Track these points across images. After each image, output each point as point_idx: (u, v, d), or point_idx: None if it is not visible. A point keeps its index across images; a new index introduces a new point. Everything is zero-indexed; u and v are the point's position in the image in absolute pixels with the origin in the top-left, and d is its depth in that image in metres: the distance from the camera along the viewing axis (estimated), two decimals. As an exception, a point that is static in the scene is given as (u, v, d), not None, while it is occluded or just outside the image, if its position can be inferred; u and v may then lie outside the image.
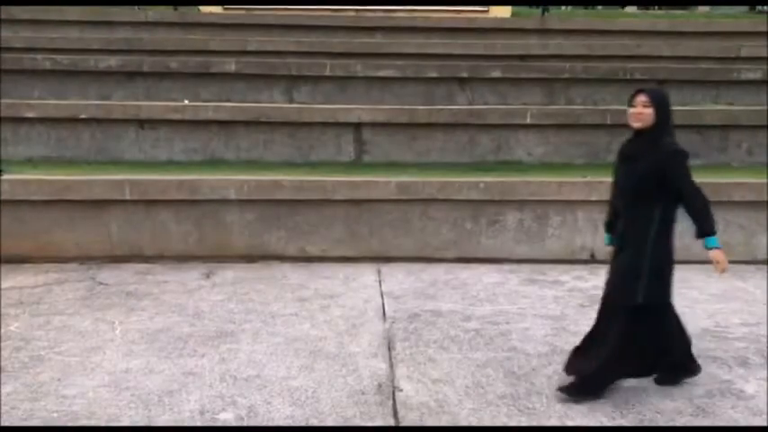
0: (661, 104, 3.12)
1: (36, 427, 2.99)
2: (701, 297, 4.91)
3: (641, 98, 3.12)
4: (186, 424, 3.02)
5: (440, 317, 4.39)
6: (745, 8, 15.73)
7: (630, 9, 20.49)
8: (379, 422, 3.07)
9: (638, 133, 3.15)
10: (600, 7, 20.27)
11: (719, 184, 5.85)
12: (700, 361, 3.75)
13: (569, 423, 3.07)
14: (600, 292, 4.92)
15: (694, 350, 3.91)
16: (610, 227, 3.40)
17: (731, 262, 5.68)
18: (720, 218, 5.77)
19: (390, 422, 3.08)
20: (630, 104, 3.15)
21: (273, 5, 10.39)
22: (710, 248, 3.18)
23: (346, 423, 3.05)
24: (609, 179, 5.67)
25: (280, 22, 9.74)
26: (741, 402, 3.29)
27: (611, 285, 3.32)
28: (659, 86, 3.40)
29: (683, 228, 5.92)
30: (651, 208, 3.13)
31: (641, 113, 3.10)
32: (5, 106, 6.80)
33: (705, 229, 3.17)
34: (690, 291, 5.05)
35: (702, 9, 18.48)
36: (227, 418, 3.07)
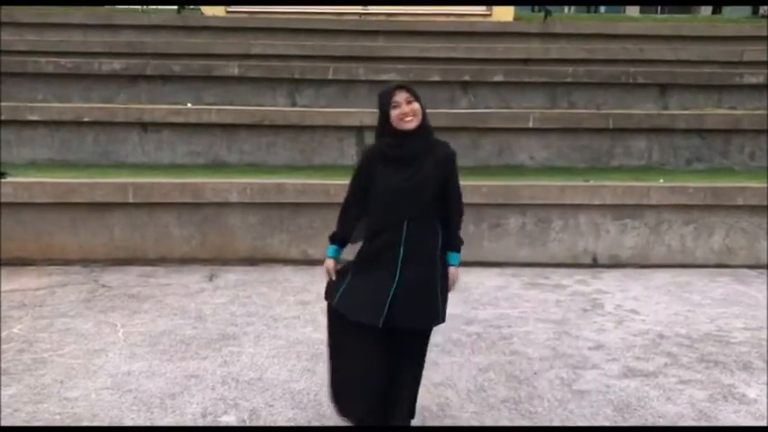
0: (420, 99, 2.74)
1: (37, 428, 3.00)
2: (703, 301, 4.91)
3: (404, 95, 2.69)
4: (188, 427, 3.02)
5: (442, 320, 4.39)
6: (747, 12, 15.73)
7: (633, 13, 20.51)
8: (381, 425, 3.07)
9: (404, 134, 2.68)
10: (603, 8, 20.31)
11: (722, 189, 5.86)
12: (702, 365, 3.76)
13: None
14: (603, 297, 4.96)
15: (697, 354, 3.93)
16: (340, 238, 2.87)
17: (734, 266, 5.79)
18: (723, 222, 5.84)
19: (392, 425, 3.08)
20: (391, 106, 2.67)
21: (276, 5, 10.39)
22: (452, 265, 2.82)
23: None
24: (611, 183, 5.64)
25: (282, 26, 9.76)
26: (743, 407, 3.28)
27: (404, 308, 2.68)
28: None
29: (686, 232, 5.93)
30: (434, 217, 2.75)
31: (413, 111, 2.67)
32: (9, 109, 6.83)
33: (460, 244, 2.85)
34: (692, 295, 5.05)
35: (705, 13, 18.50)
36: (229, 420, 3.07)
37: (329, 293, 2.85)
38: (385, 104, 2.71)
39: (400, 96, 2.69)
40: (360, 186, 2.82)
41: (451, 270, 2.82)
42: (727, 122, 7.25)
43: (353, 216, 2.85)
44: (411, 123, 2.68)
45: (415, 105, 2.69)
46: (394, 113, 2.67)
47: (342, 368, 2.86)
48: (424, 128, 2.73)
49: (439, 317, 2.77)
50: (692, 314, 4.63)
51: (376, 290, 2.69)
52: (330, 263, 2.86)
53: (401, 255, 2.68)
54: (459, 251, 2.84)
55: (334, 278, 2.82)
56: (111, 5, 11.64)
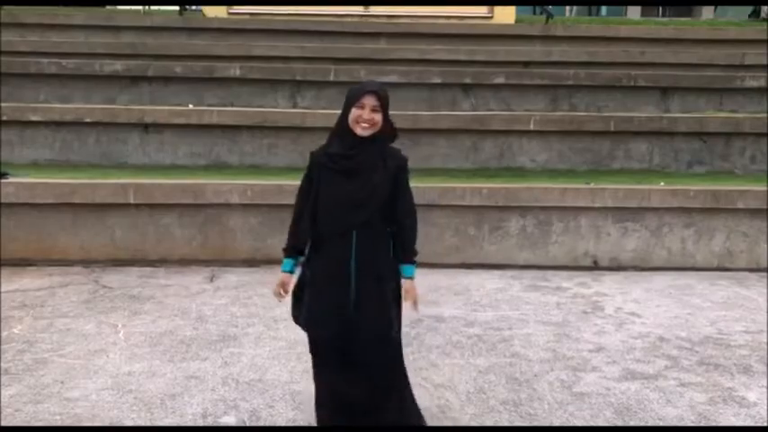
0: (388, 107, 2.65)
1: (37, 428, 3.00)
2: (703, 304, 4.91)
3: (372, 101, 2.59)
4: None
5: (442, 322, 4.39)
6: (749, 13, 15.74)
7: (634, 15, 20.53)
8: (381, 427, 3.07)
9: (356, 139, 2.61)
10: (604, 10, 20.34)
11: (723, 192, 5.86)
12: (702, 368, 3.76)
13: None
14: (603, 299, 4.96)
15: (697, 357, 3.93)
16: (295, 251, 2.77)
17: (735, 270, 5.79)
18: (724, 225, 5.85)
19: (392, 427, 3.08)
20: (356, 104, 2.60)
21: (277, 5, 10.40)
22: (408, 278, 2.71)
23: (348, 428, 3.05)
24: (612, 186, 5.65)
25: (284, 28, 9.78)
26: (743, 410, 3.28)
27: (361, 319, 2.65)
28: (382, 84, 2.71)
29: (686, 235, 5.93)
30: (385, 226, 2.68)
31: (373, 120, 2.59)
32: (11, 109, 6.84)
33: (415, 255, 2.75)
34: (692, 298, 5.05)
35: (706, 16, 18.52)
36: (229, 421, 3.08)
37: (294, 313, 2.83)
38: (351, 101, 2.62)
39: (368, 100, 2.60)
40: (309, 193, 2.72)
41: (407, 284, 2.71)
42: (728, 126, 7.25)
43: (307, 227, 2.71)
44: (365, 131, 2.59)
45: (377, 117, 2.60)
46: (354, 113, 2.59)
47: (320, 385, 2.84)
48: (378, 136, 2.64)
49: (392, 327, 2.71)
50: (692, 317, 4.62)
51: (335, 304, 2.65)
52: (284, 278, 2.76)
53: (353, 269, 2.62)
54: (413, 263, 2.73)
55: (284, 293, 2.76)
56: (112, 5, 11.64)
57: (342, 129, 2.66)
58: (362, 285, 2.63)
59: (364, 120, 2.59)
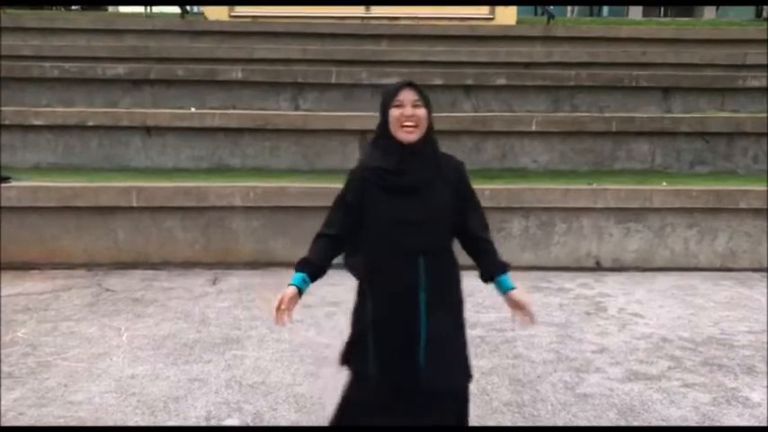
0: (430, 105, 2.28)
1: (36, 428, 3.01)
2: (706, 305, 4.90)
3: (411, 95, 2.23)
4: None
5: (445, 324, 4.39)
6: (750, 15, 15.75)
7: (635, 16, 20.52)
8: (384, 429, 3.07)
9: (404, 148, 2.23)
10: (605, 10, 20.34)
11: (725, 192, 5.85)
12: (705, 369, 3.76)
13: (575, 430, 3.07)
14: (606, 300, 4.95)
15: (701, 357, 3.92)
16: (312, 268, 2.35)
17: (737, 270, 5.78)
18: (726, 225, 5.84)
19: (395, 429, 3.08)
20: (393, 104, 2.23)
21: (279, 5, 10.42)
22: (510, 290, 2.35)
23: (351, 430, 3.06)
24: (614, 186, 5.64)
25: (285, 30, 9.79)
26: (747, 410, 3.28)
27: (436, 366, 2.22)
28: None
29: (689, 235, 5.92)
30: (450, 247, 2.32)
31: (417, 116, 2.22)
32: (14, 113, 6.86)
33: (505, 264, 2.39)
34: (695, 298, 5.05)
35: (708, 16, 18.51)
36: (232, 424, 3.08)
37: (349, 357, 2.42)
38: (387, 103, 2.26)
39: (406, 95, 2.23)
40: (347, 213, 2.32)
41: (516, 294, 2.35)
42: (730, 126, 7.24)
43: (333, 246, 2.37)
44: (411, 135, 2.21)
45: (420, 112, 2.23)
46: (394, 114, 2.22)
47: None
48: (428, 141, 2.27)
49: (471, 376, 2.36)
50: (695, 317, 4.62)
51: (402, 349, 2.23)
52: (290, 291, 2.29)
53: (423, 302, 2.21)
54: (507, 270, 2.38)
55: (285, 311, 2.28)
56: (114, 5, 11.67)
57: (383, 138, 2.28)
58: (434, 321, 2.22)
59: (407, 117, 2.21)
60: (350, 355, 2.41)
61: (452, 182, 2.31)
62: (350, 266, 2.42)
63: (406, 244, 2.23)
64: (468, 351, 2.34)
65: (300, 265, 2.36)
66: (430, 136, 2.28)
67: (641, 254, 5.87)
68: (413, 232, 2.22)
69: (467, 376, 2.32)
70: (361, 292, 2.37)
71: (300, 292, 2.31)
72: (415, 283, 2.21)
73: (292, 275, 2.32)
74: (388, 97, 2.27)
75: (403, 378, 2.23)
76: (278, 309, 2.28)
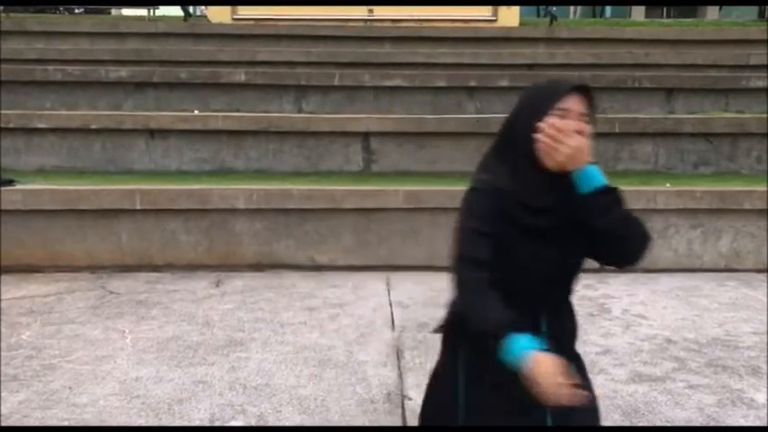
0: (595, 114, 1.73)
1: (36, 428, 3.02)
2: (710, 306, 4.89)
3: (580, 105, 1.66)
4: (196, 432, 3.04)
5: (449, 326, 4.38)
6: (753, 15, 15.73)
7: (638, 17, 20.52)
8: (388, 431, 3.08)
9: (553, 178, 1.68)
10: (608, 11, 20.34)
11: (729, 192, 5.84)
12: (710, 370, 3.75)
13: None
14: (610, 301, 4.94)
15: (705, 359, 3.91)
16: (511, 322, 1.62)
17: (742, 271, 5.76)
18: (730, 226, 5.83)
19: (399, 431, 3.09)
20: (549, 111, 1.65)
21: (281, 5, 10.44)
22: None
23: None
24: (618, 187, 5.61)
25: (288, 33, 9.80)
26: (752, 411, 3.27)
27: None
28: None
29: (693, 236, 5.91)
30: (573, 288, 1.88)
31: (583, 142, 1.64)
32: (18, 117, 6.88)
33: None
34: (699, 299, 5.03)
35: (711, 16, 18.50)
36: (236, 425, 3.09)
37: (434, 413, 1.96)
38: (539, 106, 1.65)
39: (575, 103, 1.65)
40: (487, 241, 1.70)
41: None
42: (734, 126, 7.22)
43: (495, 281, 1.67)
44: (574, 162, 1.63)
45: (588, 129, 1.66)
46: (548, 128, 1.61)
47: None
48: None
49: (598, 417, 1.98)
50: (699, 318, 4.61)
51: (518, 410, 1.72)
52: (548, 359, 1.55)
53: None
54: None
55: (563, 379, 1.55)
56: (118, 6, 11.69)
57: (519, 157, 1.70)
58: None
59: (571, 137, 1.60)
60: (447, 413, 1.86)
61: (584, 209, 1.71)
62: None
63: (536, 302, 1.75)
64: (597, 403, 1.96)
65: (511, 327, 1.61)
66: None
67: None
68: (545, 288, 1.76)
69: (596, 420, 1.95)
70: (455, 348, 1.84)
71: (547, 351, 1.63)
72: (546, 330, 1.76)
73: (512, 342, 1.59)
74: (544, 100, 1.66)
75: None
76: (560, 385, 1.54)
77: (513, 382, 1.58)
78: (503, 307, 1.63)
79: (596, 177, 1.67)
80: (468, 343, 1.79)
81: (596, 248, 1.74)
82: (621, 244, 1.71)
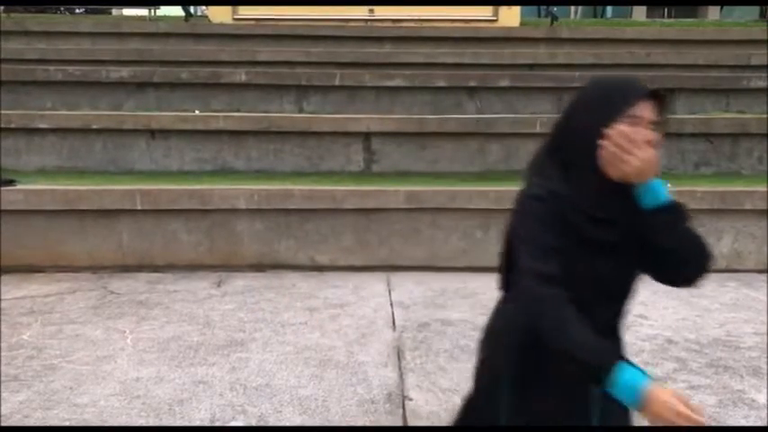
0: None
1: (36, 428, 3.02)
2: (711, 306, 4.88)
3: (652, 112, 1.52)
4: (197, 433, 3.04)
5: (450, 326, 4.38)
6: (755, 15, 15.72)
7: (639, 17, 20.51)
8: (389, 431, 3.08)
9: (615, 185, 1.56)
10: (609, 11, 20.34)
11: (730, 193, 5.83)
12: (711, 371, 3.75)
13: None
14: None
15: (706, 359, 3.91)
16: (613, 353, 1.53)
17: (743, 271, 5.75)
18: (731, 226, 5.82)
19: (400, 431, 3.09)
20: (624, 116, 1.50)
21: (284, 5, 10.44)
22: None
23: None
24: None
25: (289, 33, 9.80)
26: (753, 412, 3.27)
27: None
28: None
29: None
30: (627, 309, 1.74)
31: (654, 152, 1.52)
32: (18, 117, 6.88)
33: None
34: (700, 300, 5.03)
35: (712, 16, 18.49)
36: (237, 425, 3.09)
37: (474, 416, 1.89)
38: (609, 111, 1.51)
39: (648, 109, 1.51)
40: (555, 254, 1.55)
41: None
42: (735, 126, 7.22)
43: (574, 303, 1.52)
44: (641, 175, 1.51)
45: (659, 140, 1.53)
46: (616, 136, 1.48)
47: None
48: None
49: None
50: (700, 319, 4.61)
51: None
52: (668, 395, 1.46)
53: (596, 402, 1.62)
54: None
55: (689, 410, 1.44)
56: (119, 5, 11.71)
57: (579, 163, 1.56)
58: (608, 415, 1.67)
59: (642, 148, 1.47)
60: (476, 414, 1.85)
61: (642, 223, 1.61)
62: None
63: (597, 319, 1.57)
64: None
65: (614, 356, 1.50)
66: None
67: (646, 255, 5.85)
68: (602, 304, 1.63)
69: None
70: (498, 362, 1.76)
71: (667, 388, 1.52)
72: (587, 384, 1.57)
73: (620, 375, 1.46)
74: (613, 103, 1.51)
75: None
76: (685, 418, 1.45)
77: (562, 390, 1.56)
78: (593, 331, 1.49)
79: (661, 193, 1.59)
80: (517, 358, 1.68)
81: (654, 266, 1.63)
82: (683, 264, 1.62)
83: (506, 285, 1.81)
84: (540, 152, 1.69)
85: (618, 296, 1.67)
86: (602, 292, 1.61)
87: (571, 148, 1.58)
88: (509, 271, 1.74)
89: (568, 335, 1.49)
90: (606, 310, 1.66)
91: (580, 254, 1.56)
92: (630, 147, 1.48)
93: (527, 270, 1.56)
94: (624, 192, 1.54)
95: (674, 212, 1.61)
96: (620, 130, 1.48)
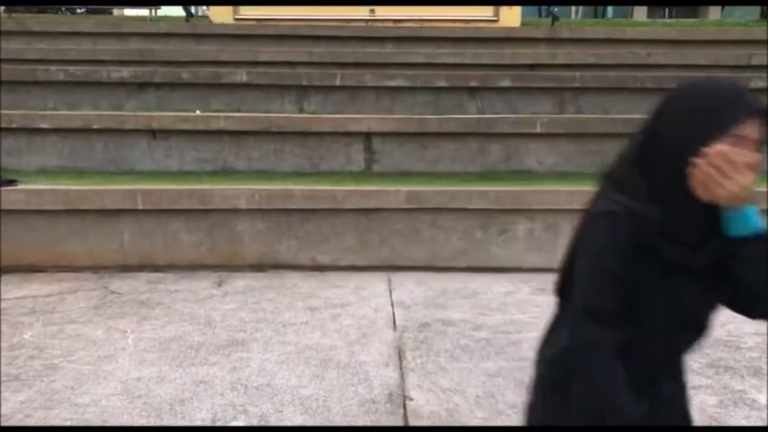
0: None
1: (37, 428, 3.03)
2: (713, 306, 4.88)
3: (755, 132, 1.37)
4: (198, 432, 3.04)
5: (450, 326, 4.39)
6: (755, 15, 15.71)
7: (640, 17, 20.51)
8: (389, 431, 3.08)
9: (703, 207, 1.39)
10: (610, 11, 20.33)
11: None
12: (712, 371, 3.75)
13: None
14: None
15: (707, 359, 3.91)
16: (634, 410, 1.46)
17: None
18: (732, 227, 5.81)
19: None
20: (726, 133, 1.34)
21: (286, 5, 10.44)
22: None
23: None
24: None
25: (290, 33, 9.80)
26: (754, 412, 3.27)
27: None
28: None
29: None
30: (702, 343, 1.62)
31: (756, 170, 1.36)
32: (20, 117, 6.89)
33: None
34: (702, 300, 5.03)
35: (713, 16, 18.49)
36: (238, 426, 3.09)
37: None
38: (710, 128, 1.34)
39: (754, 129, 1.36)
40: (617, 283, 1.43)
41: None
42: (736, 127, 7.21)
43: (620, 339, 1.45)
44: (736, 201, 1.37)
45: (759, 160, 1.36)
46: (715, 155, 1.31)
47: None
48: None
49: None
50: (701, 319, 4.61)
51: None
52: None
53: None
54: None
55: None
56: (120, 5, 11.72)
57: (667, 179, 1.40)
58: None
59: (742, 173, 1.31)
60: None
61: (725, 248, 1.47)
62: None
63: (660, 352, 1.51)
64: None
65: (642, 422, 1.45)
66: None
67: (647, 255, 5.84)
68: (678, 334, 1.51)
69: None
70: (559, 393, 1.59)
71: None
72: (654, 413, 1.52)
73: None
74: (716, 119, 1.34)
75: None
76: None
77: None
78: (629, 390, 1.41)
79: (753, 221, 1.43)
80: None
81: (735, 297, 1.51)
82: (764, 298, 1.47)
83: (561, 291, 1.66)
84: (619, 161, 1.52)
85: (697, 326, 1.54)
86: (680, 321, 1.49)
87: (658, 161, 1.41)
88: (568, 275, 1.59)
89: (598, 388, 1.44)
90: (683, 344, 1.56)
91: (658, 280, 1.43)
92: (730, 170, 1.31)
93: (579, 298, 1.48)
94: (711, 214, 1.40)
95: (765, 244, 1.43)
96: (720, 151, 1.31)
